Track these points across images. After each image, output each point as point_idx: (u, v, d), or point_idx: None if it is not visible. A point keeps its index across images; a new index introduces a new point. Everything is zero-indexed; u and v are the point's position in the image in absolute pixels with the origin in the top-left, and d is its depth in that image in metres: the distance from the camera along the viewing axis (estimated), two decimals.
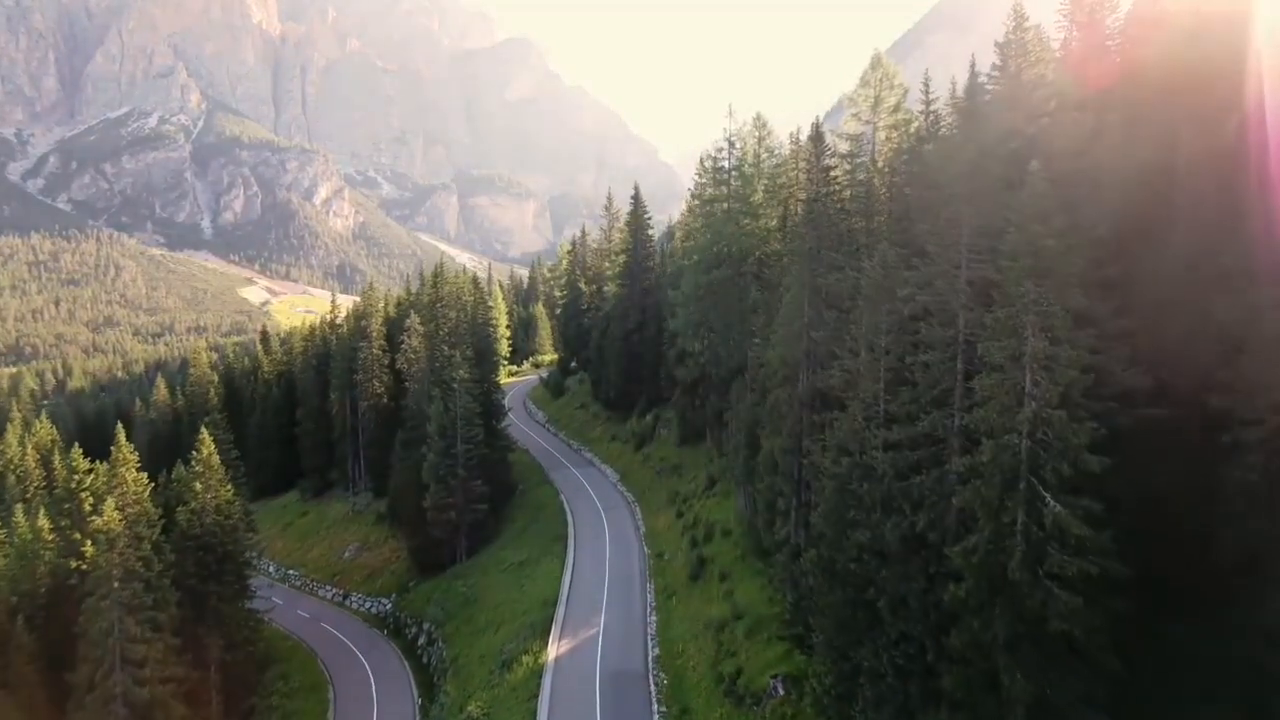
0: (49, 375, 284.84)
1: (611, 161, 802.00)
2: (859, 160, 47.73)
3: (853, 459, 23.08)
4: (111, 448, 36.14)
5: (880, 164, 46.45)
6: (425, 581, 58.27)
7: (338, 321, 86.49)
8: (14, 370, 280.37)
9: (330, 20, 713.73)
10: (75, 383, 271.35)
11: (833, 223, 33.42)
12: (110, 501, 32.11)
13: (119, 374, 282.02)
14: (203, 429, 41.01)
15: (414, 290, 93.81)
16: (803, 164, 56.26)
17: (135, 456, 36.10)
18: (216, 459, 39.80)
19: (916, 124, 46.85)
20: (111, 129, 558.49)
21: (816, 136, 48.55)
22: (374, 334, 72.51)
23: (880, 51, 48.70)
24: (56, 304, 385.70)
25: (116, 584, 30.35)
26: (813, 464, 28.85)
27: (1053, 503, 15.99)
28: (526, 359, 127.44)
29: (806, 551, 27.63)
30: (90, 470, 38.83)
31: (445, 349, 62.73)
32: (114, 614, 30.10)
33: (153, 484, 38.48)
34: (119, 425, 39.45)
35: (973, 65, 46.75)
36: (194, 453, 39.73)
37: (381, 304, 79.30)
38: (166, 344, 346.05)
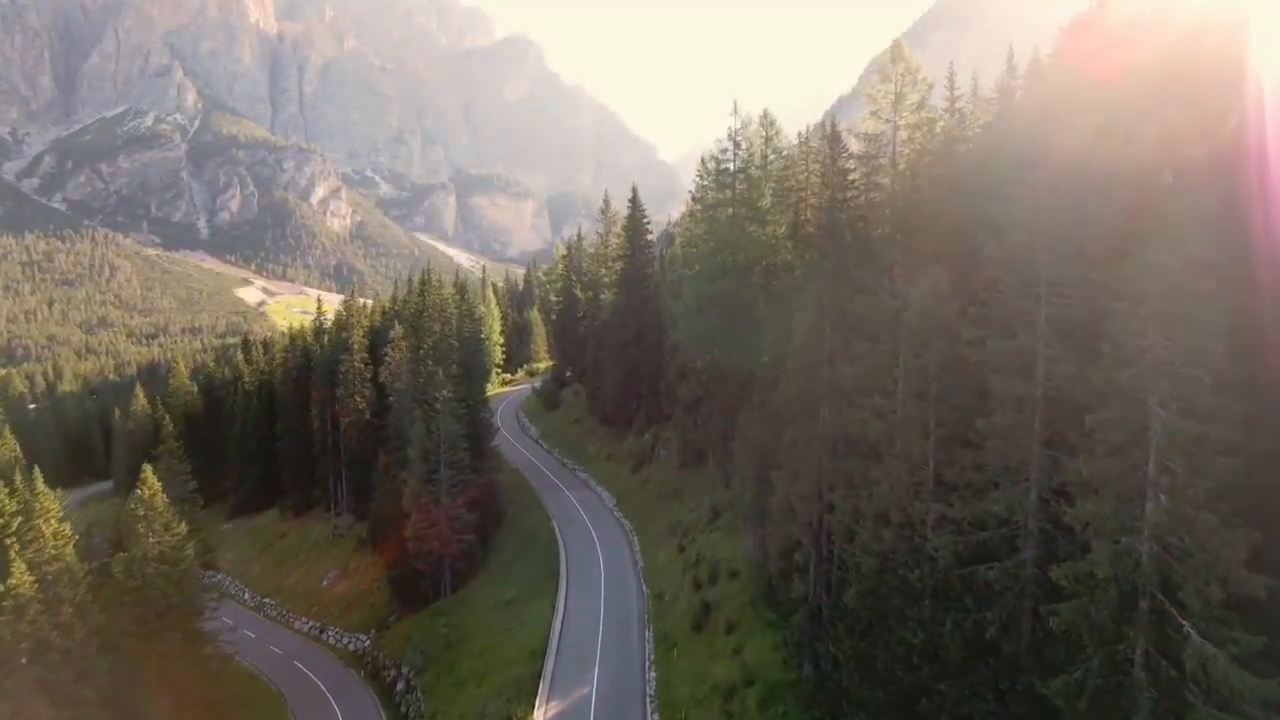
0: (39, 378, 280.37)
1: (610, 161, 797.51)
2: (878, 163, 43.62)
3: (897, 533, 18.78)
4: (29, 494, 31.79)
5: (901, 167, 42.33)
6: (406, 616, 53.99)
7: (325, 326, 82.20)
8: (2, 373, 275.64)
9: (328, 19, 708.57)
10: (66, 386, 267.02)
11: (858, 235, 29.09)
12: (20, 562, 27.84)
13: (111, 376, 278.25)
14: (145, 468, 36.54)
15: (401, 297, 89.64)
16: (814, 166, 52.12)
17: (56, 504, 31.86)
18: (161, 499, 35.38)
19: (943, 123, 42.78)
20: (107, 128, 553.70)
21: (833, 136, 44.20)
22: (356, 346, 68.17)
23: (901, 42, 44.14)
24: (50, 305, 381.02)
25: (24, 660, 26.14)
26: (840, 522, 24.54)
27: (1197, 637, 11.76)
28: (521, 366, 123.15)
29: (833, 628, 23.31)
30: (19, 511, 34.53)
31: (430, 364, 58.43)
32: (21, 694, 25.92)
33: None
34: (34, 471, 35.04)
35: (1010, 55, 42.44)
36: (137, 490, 35.47)
37: (365, 313, 74.93)
38: (161, 345, 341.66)
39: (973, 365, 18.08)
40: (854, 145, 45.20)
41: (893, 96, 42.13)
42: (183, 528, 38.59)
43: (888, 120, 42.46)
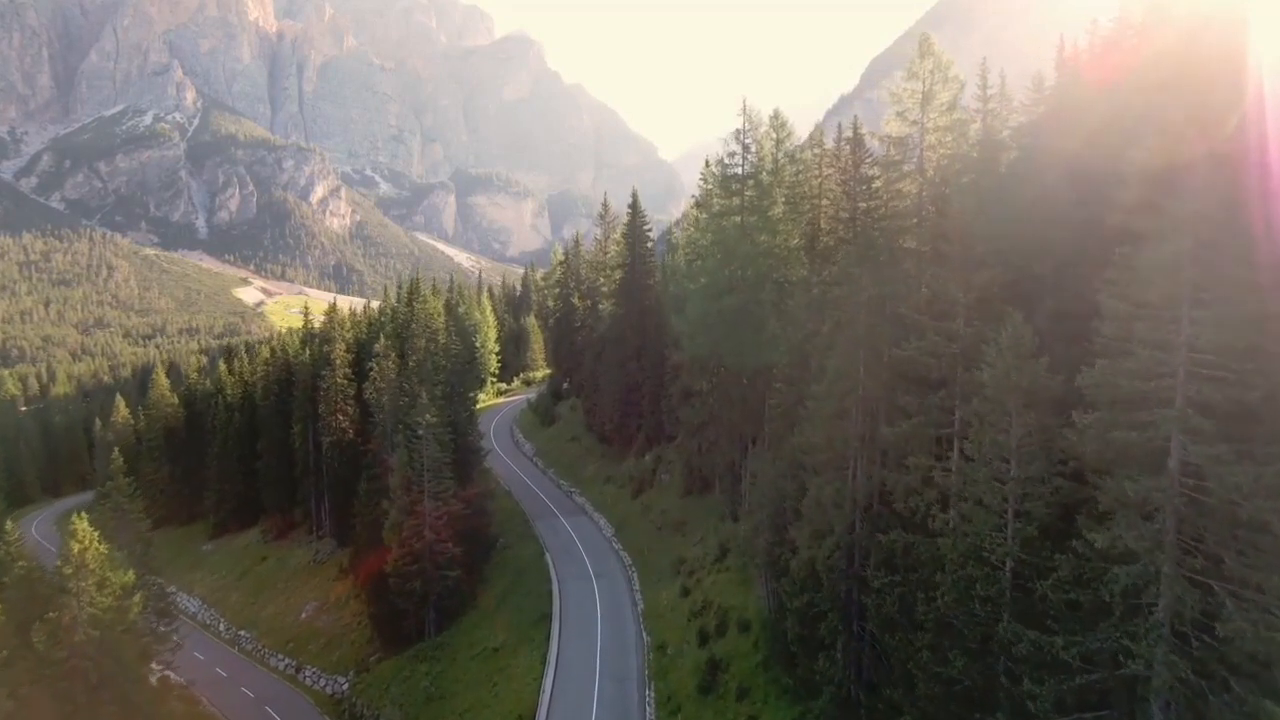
0: (32, 380, 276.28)
1: (610, 160, 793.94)
2: (903, 169, 39.42)
3: (969, 655, 14.59)
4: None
5: (930, 174, 38.14)
6: (388, 657, 49.92)
7: (312, 334, 78.01)
8: None
9: (327, 18, 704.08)
10: (59, 388, 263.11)
11: (894, 258, 24.91)
12: None
13: (105, 378, 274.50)
14: (75, 519, 32.02)
15: (391, 305, 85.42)
16: (829, 171, 47.98)
17: None
18: (96, 552, 30.97)
19: (976, 125, 38.62)
20: (106, 127, 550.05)
21: (855, 139, 40.24)
22: (338, 361, 63.93)
23: (930, 36, 39.88)
24: (46, 305, 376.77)
25: None
26: (880, 608, 20.36)
27: None
28: (517, 375, 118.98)
29: None
30: None
31: (414, 382, 54.29)
32: None
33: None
34: None
35: (1061, 45, 38.14)
36: (69, 543, 31.12)
37: (348, 325, 70.62)
38: (158, 345, 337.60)
39: (1070, 442, 13.91)
40: (875, 148, 41.42)
41: (920, 96, 37.86)
42: (129, 576, 34.45)
43: (914, 122, 38.25)
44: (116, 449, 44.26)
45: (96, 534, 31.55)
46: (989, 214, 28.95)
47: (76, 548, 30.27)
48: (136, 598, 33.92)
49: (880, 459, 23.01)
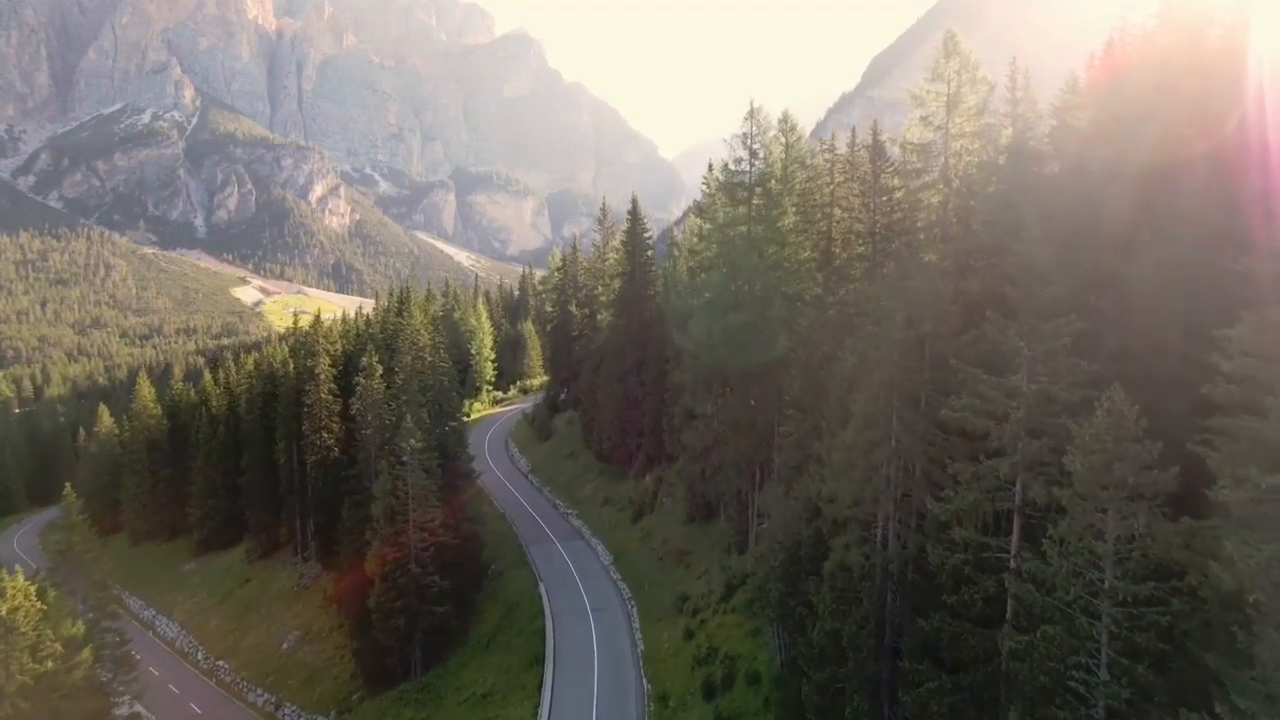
0: (26, 382, 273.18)
1: (610, 158, 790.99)
2: (926, 178, 36.27)
3: None
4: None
5: (956, 184, 34.97)
6: (371, 697, 46.84)
7: (303, 337, 74.73)
8: None
9: (327, 16, 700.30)
10: (54, 389, 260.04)
11: (935, 291, 21.68)
12: None
13: (100, 380, 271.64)
14: (8, 579, 28.60)
15: (382, 312, 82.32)
16: (840, 177, 44.78)
17: None
18: (31, 609, 27.59)
19: (1008, 132, 35.46)
20: (104, 125, 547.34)
21: (875, 146, 37.06)
22: (322, 376, 60.72)
23: (955, 34, 36.56)
24: (43, 305, 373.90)
25: None
26: (921, 704, 17.20)
27: None
28: (514, 383, 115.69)
29: None
30: None
31: (400, 402, 51.13)
32: None
33: None
34: None
35: (1110, 42, 34.95)
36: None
37: (333, 338, 67.26)
38: (154, 346, 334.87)
39: (1185, 551, 10.76)
40: (893, 154, 38.45)
41: (945, 99, 34.65)
42: (78, 628, 31.33)
43: (939, 127, 35.08)
44: (69, 485, 41.08)
45: (33, 588, 28.36)
46: (1039, 237, 25.73)
47: (4, 608, 27.05)
48: (85, 653, 30.76)
49: (917, 523, 19.88)
